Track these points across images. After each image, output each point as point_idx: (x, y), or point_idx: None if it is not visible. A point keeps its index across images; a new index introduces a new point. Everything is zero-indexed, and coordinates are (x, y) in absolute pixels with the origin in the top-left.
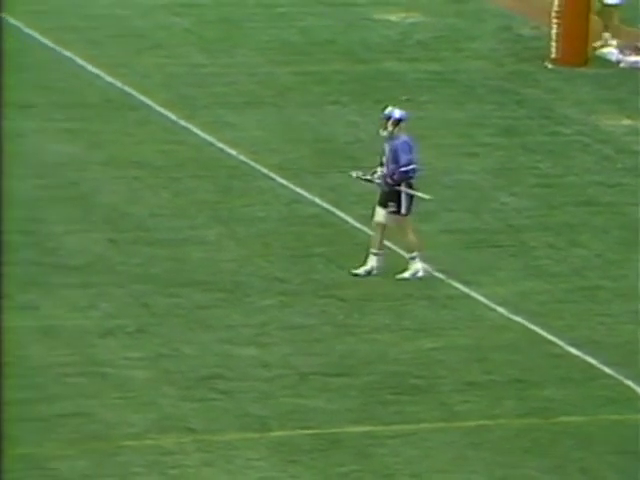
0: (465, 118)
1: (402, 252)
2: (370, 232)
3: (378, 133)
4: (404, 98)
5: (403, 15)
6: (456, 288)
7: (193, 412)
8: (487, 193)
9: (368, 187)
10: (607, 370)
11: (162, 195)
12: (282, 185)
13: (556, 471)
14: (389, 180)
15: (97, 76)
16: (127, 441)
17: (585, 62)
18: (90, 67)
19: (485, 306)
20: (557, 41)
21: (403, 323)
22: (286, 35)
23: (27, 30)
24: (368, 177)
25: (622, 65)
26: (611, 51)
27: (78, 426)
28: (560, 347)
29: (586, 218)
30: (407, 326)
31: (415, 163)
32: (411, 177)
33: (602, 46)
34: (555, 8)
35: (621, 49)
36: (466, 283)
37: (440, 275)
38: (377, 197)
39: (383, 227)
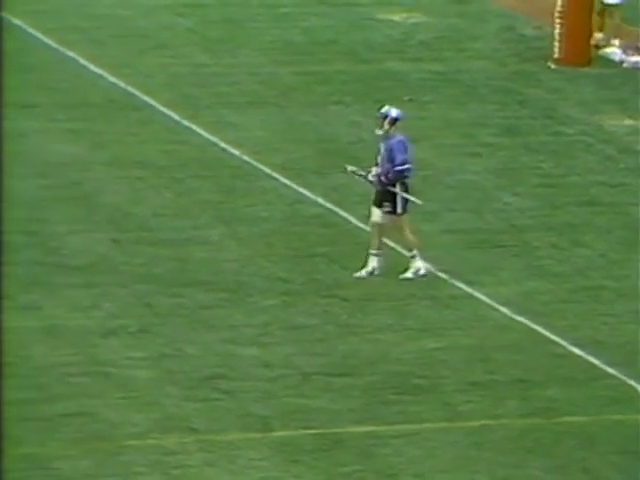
0: (468, 118)
1: (403, 251)
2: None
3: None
4: (407, 98)
5: (406, 15)
6: (459, 288)
7: (196, 412)
8: (490, 193)
9: (370, 187)
10: (610, 370)
11: (165, 195)
12: (285, 185)
13: (559, 471)
14: (384, 179)
15: (100, 76)
16: (130, 441)
17: (588, 62)
18: (93, 67)
19: (488, 306)
20: (560, 41)
21: (406, 323)
22: (289, 35)
23: (30, 30)
24: (362, 173)
25: (625, 65)
26: (614, 51)
27: (81, 426)
28: (563, 347)
29: (589, 218)
30: (410, 326)
31: (410, 163)
32: (406, 176)
33: (596, 46)
34: (558, 8)
35: (623, 49)
36: (469, 283)
37: (443, 275)
38: (372, 197)
39: (380, 227)
